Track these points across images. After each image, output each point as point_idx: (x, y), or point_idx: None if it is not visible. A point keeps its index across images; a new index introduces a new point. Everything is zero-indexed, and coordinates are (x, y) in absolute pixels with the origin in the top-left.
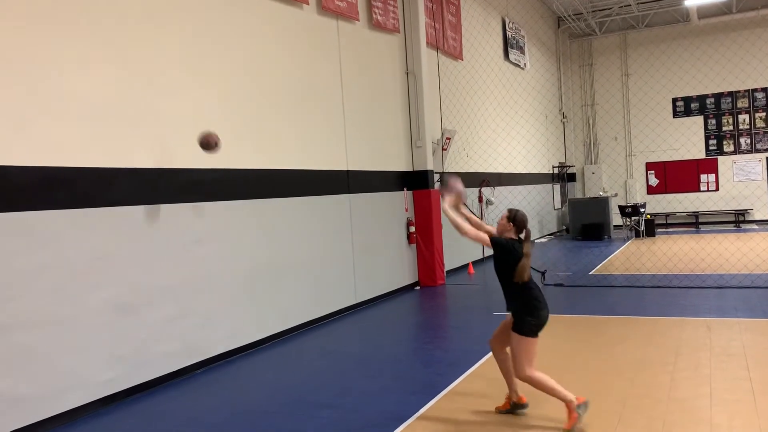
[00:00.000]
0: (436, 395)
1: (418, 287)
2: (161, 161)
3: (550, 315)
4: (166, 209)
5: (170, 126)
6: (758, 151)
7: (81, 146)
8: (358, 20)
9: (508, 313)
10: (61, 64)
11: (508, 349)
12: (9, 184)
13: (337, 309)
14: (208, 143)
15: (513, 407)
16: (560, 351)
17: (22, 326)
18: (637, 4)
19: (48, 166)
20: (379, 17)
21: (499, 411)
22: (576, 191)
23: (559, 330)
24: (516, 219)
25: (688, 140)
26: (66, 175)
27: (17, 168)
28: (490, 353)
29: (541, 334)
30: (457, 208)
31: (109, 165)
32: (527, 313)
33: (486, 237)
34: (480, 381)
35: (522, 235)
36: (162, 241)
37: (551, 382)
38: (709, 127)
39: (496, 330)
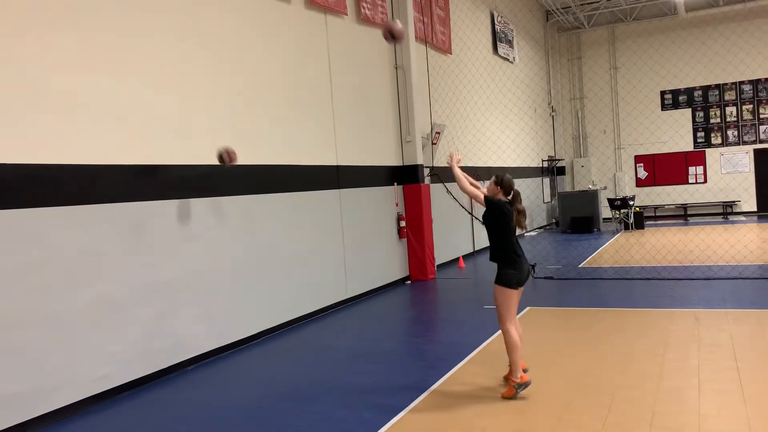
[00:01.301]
0: (427, 388)
1: (409, 281)
2: (149, 158)
3: (530, 275)
4: (156, 205)
5: (158, 122)
6: (745, 143)
7: (69, 143)
8: (347, 14)
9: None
10: (48, 61)
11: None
12: None
13: (329, 304)
14: (223, 160)
15: (518, 386)
16: (550, 343)
17: (13, 324)
18: None
19: (35, 164)
20: (367, 11)
21: (515, 385)
22: (565, 184)
23: (549, 322)
24: (503, 182)
25: (676, 133)
26: (54, 172)
27: (4, 165)
28: (482, 345)
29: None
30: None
31: (97, 162)
32: (510, 266)
33: (481, 195)
34: (471, 373)
35: (510, 197)
36: (152, 237)
37: (517, 348)
38: (697, 120)
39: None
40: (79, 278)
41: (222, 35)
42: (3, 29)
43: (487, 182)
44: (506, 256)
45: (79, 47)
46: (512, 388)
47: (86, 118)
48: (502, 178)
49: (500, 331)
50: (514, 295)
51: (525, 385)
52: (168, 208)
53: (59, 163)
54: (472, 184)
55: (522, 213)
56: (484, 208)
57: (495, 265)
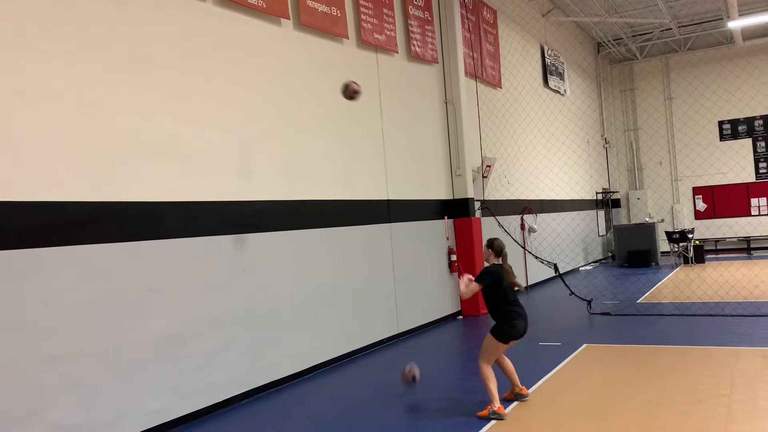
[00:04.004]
0: (481, 428)
1: (460, 317)
2: (206, 194)
3: (528, 328)
4: (213, 241)
5: (217, 161)
6: None
7: (131, 181)
8: (397, 52)
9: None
10: (114, 104)
11: (506, 361)
12: (63, 219)
13: (380, 339)
14: (351, 96)
15: (515, 397)
16: (608, 382)
17: (73, 357)
18: (679, 27)
19: (100, 201)
20: (417, 49)
21: (505, 398)
22: (621, 217)
23: (607, 360)
24: (493, 245)
25: (736, 164)
26: (116, 209)
27: (71, 203)
28: (536, 385)
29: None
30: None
31: (158, 199)
32: (504, 321)
33: (475, 284)
34: (524, 410)
35: (500, 258)
36: (208, 272)
37: (492, 383)
38: (758, 150)
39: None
40: (139, 312)
41: (278, 76)
42: (69, 71)
43: (535, 215)
44: (499, 313)
45: (144, 91)
46: (487, 412)
47: (149, 158)
48: (492, 242)
49: (555, 370)
50: (501, 347)
51: (499, 416)
52: (223, 243)
53: (122, 201)
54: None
55: (509, 271)
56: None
57: (550, 302)
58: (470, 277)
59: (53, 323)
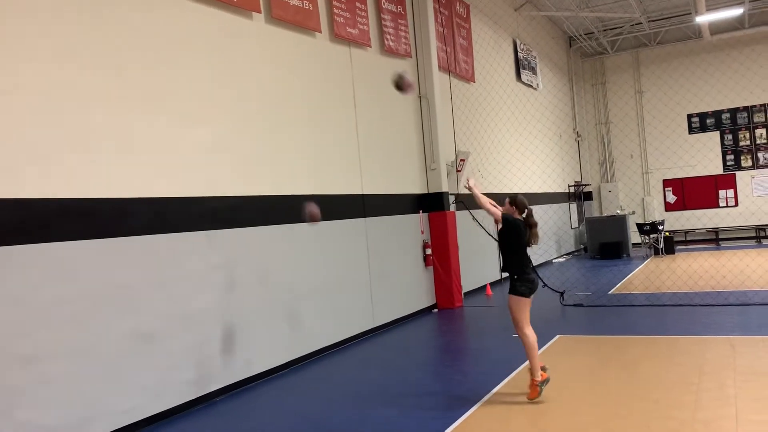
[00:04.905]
0: (456, 419)
1: (435, 310)
2: (178, 190)
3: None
4: (184, 237)
5: (187, 156)
6: None
7: (99, 177)
8: (370, 46)
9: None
10: (81, 99)
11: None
12: (30, 216)
13: (356, 333)
14: (400, 87)
15: (541, 384)
16: (581, 372)
17: (45, 357)
18: (649, 22)
19: (68, 198)
20: (391, 43)
21: (538, 383)
22: (593, 210)
23: (579, 350)
24: (516, 201)
25: (704, 156)
26: (86, 206)
27: (38, 201)
28: (511, 375)
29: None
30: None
31: (127, 195)
32: (522, 277)
33: (499, 213)
34: (500, 404)
35: (524, 215)
36: (181, 269)
37: (534, 349)
38: (726, 143)
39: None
40: (111, 310)
41: (249, 70)
42: (35, 67)
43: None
44: (519, 268)
45: (110, 84)
46: (536, 388)
47: (117, 153)
48: (515, 197)
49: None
50: (527, 303)
51: (546, 381)
52: (195, 239)
53: (91, 197)
54: (492, 204)
55: (534, 227)
56: (500, 226)
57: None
58: (491, 201)
59: (22, 322)
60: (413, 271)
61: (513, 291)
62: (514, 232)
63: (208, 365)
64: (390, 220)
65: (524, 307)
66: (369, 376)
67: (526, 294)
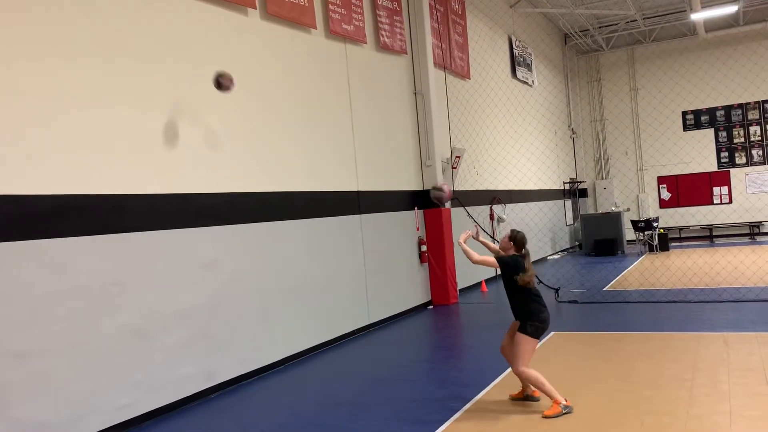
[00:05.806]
0: (451, 416)
1: (431, 306)
2: (173, 187)
3: (553, 326)
4: (179, 234)
5: (182, 152)
6: None
7: (94, 174)
8: (366, 43)
9: (515, 321)
10: (75, 96)
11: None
12: (24, 212)
13: (351, 330)
14: (220, 84)
15: (525, 398)
16: (576, 368)
17: (39, 353)
18: (644, 19)
19: (62, 194)
20: (386, 39)
21: (512, 398)
22: (588, 207)
23: (574, 347)
24: (516, 239)
25: (699, 153)
26: (79, 202)
27: (32, 197)
28: (506, 372)
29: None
30: (476, 237)
31: (121, 192)
32: (536, 318)
33: (492, 259)
34: (496, 400)
35: (522, 252)
36: (175, 266)
37: (546, 381)
38: (720, 140)
39: (504, 339)
40: (105, 306)
41: (244, 66)
42: (30, 64)
43: (504, 206)
44: (530, 310)
45: (104, 80)
46: (559, 409)
47: (112, 150)
48: (515, 235)
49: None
50: (536, 344)
51: (569, 409)
52: (190, 236)
53: (85, 194)
54: (492, 249)
55: (531, 268)
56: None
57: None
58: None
59: (16, 319)
60: (408, 268)
61: (525, 331)
62: (517, 269)
63: (202, 362)
64: (386, 216)
65: (531, 348)
66: (362, 374)
67: (537, 336)
